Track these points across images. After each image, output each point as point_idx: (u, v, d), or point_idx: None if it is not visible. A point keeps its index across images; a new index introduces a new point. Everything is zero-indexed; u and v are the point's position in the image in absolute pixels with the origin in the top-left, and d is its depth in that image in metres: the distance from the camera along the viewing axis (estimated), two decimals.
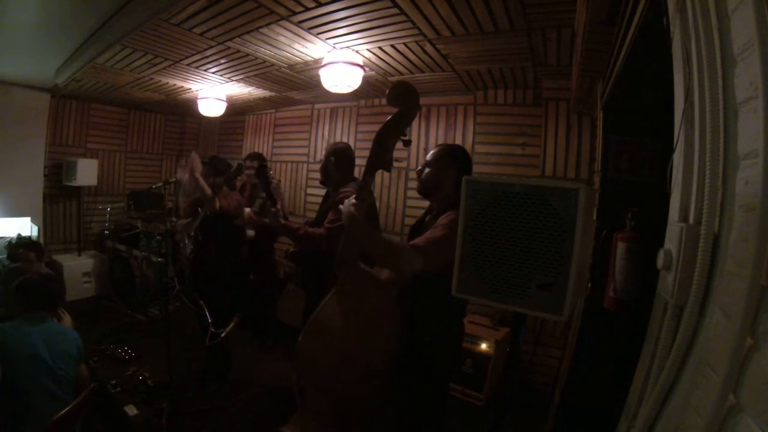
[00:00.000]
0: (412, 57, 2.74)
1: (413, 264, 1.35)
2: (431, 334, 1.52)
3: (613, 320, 1.57)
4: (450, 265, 1.40)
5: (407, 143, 1.49)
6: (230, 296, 2.93)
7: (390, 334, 1.43)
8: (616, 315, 1.53)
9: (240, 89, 3.99)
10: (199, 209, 2.81)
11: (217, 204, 2.63)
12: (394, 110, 1.41)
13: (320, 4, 2.05)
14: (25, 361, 1.60)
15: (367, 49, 2.63)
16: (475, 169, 3.35)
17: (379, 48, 2.60)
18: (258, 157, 3.50)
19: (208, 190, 2.62)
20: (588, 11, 1.45)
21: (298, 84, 3.67)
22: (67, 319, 2.03)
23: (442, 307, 1.50)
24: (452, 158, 1.60)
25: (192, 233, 2.87)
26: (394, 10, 2.05)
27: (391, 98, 1.37)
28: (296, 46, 2.66)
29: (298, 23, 2.29)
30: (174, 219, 3.23)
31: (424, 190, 1.62)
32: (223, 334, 2.26)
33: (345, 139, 4.17)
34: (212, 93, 4.09)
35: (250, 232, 3.54)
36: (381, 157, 1.42)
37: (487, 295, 1.01)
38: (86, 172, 4.61)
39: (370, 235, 1.38)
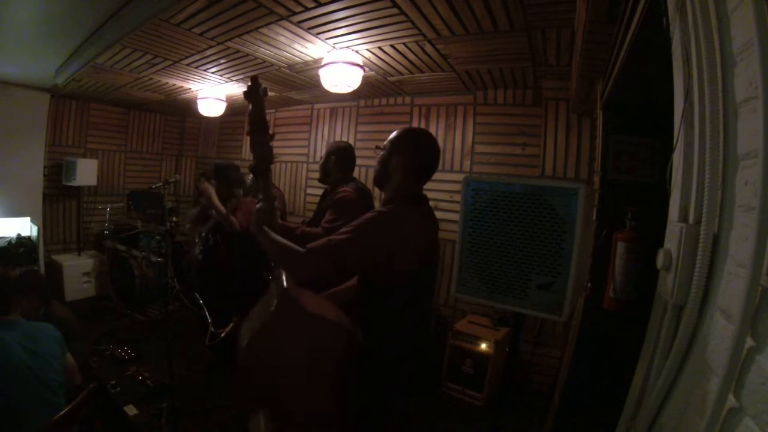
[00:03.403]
0: (411, 57, 2.74)
1: (305, 269, 1.22)
2: (371, 344, 1.32)
3: (613, 320, 1.57)
4: (382, 271, 1.23)
5: (271, 137, 1.36)
6: (235, 298, 2.93)
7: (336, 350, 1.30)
8: (616, 315, 1.53)
9: (240, 89, 3.99)
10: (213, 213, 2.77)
11: (237, 225, 2.63)
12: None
13: (320, 4, 2.05)
14: (11, 375, 1.49)
15: (367, 49, 2.63)
16: (475, 169, 3.36)
17: (379, 48, 2.60)
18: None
19: (226, 215, 2.62)
20: (588, 11, 1.45)
21: (297, 84, 3.67)
22: (61, 311, 1.97)
23: (381, 319, 1.31)
24: (405, 142, 1.37)
25: (204, 234, 2.84)
26: (394, 10, 2.05)
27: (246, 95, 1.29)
28: (296, 46, 2.66)
29: (298, 23, 2.29)
30: (173, 219, 3.23)
31: (374, 180, 1.43)
32: (222, 335, 2.26)
33: (344, 139, 4.18)
34: (212, 93, 4.09)
35: None
36: (263, 153, 1.30)
37: (487, 296, 1.01)
38: (86, 172, 4.61)
39: (263, 231, 1.28)
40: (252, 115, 1.28)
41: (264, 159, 1.30)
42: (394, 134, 1.39)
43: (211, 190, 2.66)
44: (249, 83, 1.28)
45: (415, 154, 1.34)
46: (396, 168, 1.34)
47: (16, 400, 1.48)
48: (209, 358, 2.91)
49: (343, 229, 1.23)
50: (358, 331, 1.33)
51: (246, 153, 5.37)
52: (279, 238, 1.27)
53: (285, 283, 1.28)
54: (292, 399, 1.26)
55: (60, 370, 1.67)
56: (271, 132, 1.31)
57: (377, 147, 1.42)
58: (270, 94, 4.45)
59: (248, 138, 1.31)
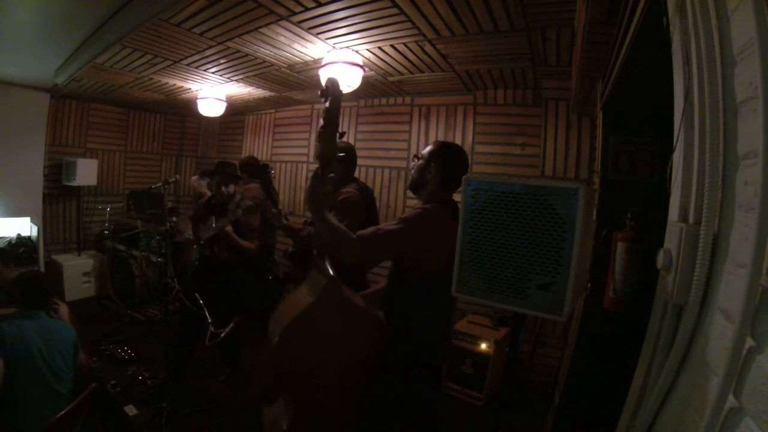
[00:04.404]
0: (411, 57, 2.74)
1: (355, 254, 1.33)
2: (392, 340, 1.40)
3: (613, 320, 1.57)
4: (416, 263, 1.39)
5: (341, 135, 1.46)
6: (234, 299, 2.92)
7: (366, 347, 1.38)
8: (616, 315, 1.53)
9: (240, 89, 3.99)
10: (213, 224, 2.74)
11: (252, 248, 2.64)
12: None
13: (320, 4, 2.05)
14: (23, 356, 1.62)
15: (367, 49, 2.63)
16: (475, 169, 3.36)
17: (379, 48, 2.60)
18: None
19: (243, 245, 2.64)
20: (588, 11, 1.45)
21: (297, 84, 3.67)
22: (63, 309, 2.06)
23: (413, 307, 1.43)
24: (441, 155, 1.52)
25: (203, 241, 2.82)
26: (394, 10, 2.05)
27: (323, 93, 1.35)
28: (296, 46, 2.66)
29: (298, 23, 2.29)
30: (173, 219, 3.21)
31: (411, 185, 1.60)
32: (222, 335, 2.26)
33: (344, 140, 4.17)
34: (212, 93, 4.09)
35: None
36: (332, 149, 1.37)
37: (487, 296, 1.01)
38: (86, 172, 4.61)
39: (322, 214, 1.35)
40: (330, 112, 1.34)
41: (331, 151, 1.37)
42: (432, 147, 1.55)
43: (232, 234, 2.65)
44: (329, 83, 1.33)
45: (451, 167, 1.50)
46: (432, 177, 1.49)
47: (22, 382, 1.60)
48: (220, 349, 2.88)
49: (392, 221, 1.39)
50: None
51: (246, 152, 5.37)
52: (334, 221, 1.36)
53: (331, 272, 1.36)
54: (323, 381, 1.33)
55: (70, 363, 1.79)
56: (341, 130, 1.40)
57: (415, 156, 1.59)
58: (270, 94, 4.45)
59: (319, 131, 1.37)
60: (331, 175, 1.35)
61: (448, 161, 1.50)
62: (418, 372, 1.44)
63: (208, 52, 2.90)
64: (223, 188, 2.78)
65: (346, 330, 1.34)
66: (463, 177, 1.04)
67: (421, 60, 2.79)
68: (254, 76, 3.49)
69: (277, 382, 1.45)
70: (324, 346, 1.33)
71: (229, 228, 2.57)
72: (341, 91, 1.36)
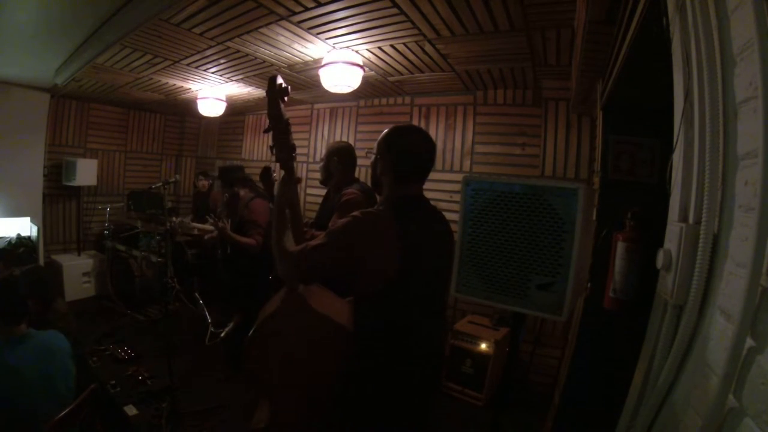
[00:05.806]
0: (411, 57, 2.74)
1: (287, 273, 1.22)
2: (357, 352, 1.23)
3: (613, 320, 1.57)
4: (365, 280, 1.18)
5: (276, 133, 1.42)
6: (235, 297, 2.92)
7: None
8: (616, 315, 1.53)
9: (240, 89, 4.00)
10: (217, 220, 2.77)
11: (254, 244, 2.65)
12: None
13: (320, 4, 2.05)
14: (17, 396, 1.47)
15: (367, 49, 2.63)
16: (475, 169, 3.36)
17: (379, 48, 2.60)
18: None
19: (242, 242, 2.65)
20: (588, 11, 1.45)
21: (297, 84, 3.67)
22: (62, 307, 1.95)
23: (365, 326, 1.22)
24: (387, 143, 1.27)
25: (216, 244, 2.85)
26: (394, 10, 2.05)
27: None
28: (296, 46, 2.66)
29: (298, 23, 2.29)
30: (173, 219, 3.21)
31: (371, 185, 1.39)
32: (222, 334, 2.26)
33: (344, 139, 4.18)
34: (212, 93, 4.10)
35: None
36: (283, 151, 1.33)
37: (487, 296, 1.01)
38: (86, 172, 4.61)
39: (279, 224, 1.28)
40: (269, 113, 1.31)
41: (283, 154, 1.33)
42: (380, 135, 1.32)
43: (227, 231, 2.64)
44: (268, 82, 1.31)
45: (398, 156, 1.25)
46: (383, 172, 1.28)
47: (23, 416, 1.48)
48: (222, 349, 2.89)
49: (321, 235, 1.22)
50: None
51: (246, 152, 5.38)
52: (285, 234, 1.26)
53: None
54: (285, 391, 1.29)
55: (72, 386, 1.65)
56: (285, 128, 1.34)
57: (368, 151, 1.36)
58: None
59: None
60: (298, 176, 1.29)
61: (396, 149, 1.26)
62: (359, 406, 1.21)
63: (208, 52, 2.91)
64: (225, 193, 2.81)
65: (309, 339, 1.25)
66: (463, 177, 1.03)
67: (421, 60, 2.79)
68: (254, 76, 3.49)
69: (252, 387, 1.42)
70: (287, 354, 1.26)
71: (221, 224, 2.57)
72: (281, 87, 1.30)
